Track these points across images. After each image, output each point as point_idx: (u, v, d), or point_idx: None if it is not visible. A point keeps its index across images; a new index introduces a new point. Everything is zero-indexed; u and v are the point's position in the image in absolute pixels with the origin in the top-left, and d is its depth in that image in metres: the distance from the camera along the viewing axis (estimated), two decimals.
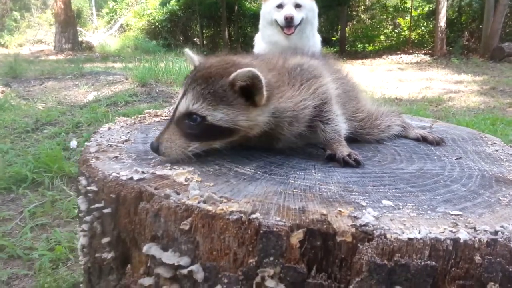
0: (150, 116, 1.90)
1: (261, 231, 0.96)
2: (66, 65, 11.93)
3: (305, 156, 1.49)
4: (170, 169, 1.23)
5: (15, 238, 2.96)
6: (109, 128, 1.66)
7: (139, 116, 1.89)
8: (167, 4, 22.38)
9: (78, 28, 19.80)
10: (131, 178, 1.13)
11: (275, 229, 0.95)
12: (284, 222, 0.96)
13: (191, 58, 1.46)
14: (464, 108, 7.51)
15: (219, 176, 1.22)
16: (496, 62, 15.62)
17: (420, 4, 22.33)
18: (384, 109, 1.81)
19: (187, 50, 1.48)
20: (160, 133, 1.30)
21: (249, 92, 1.27)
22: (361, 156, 1.45)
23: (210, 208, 0.99)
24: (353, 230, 0.96)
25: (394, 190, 1.21)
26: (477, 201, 1.18)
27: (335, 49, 22.18)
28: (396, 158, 1.54)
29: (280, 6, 2.93)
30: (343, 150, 1.43)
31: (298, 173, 1.30)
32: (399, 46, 21.29)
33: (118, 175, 1.15)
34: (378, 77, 12.51)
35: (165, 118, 1.90)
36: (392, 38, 22.65)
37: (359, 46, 22.89)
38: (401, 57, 18.72)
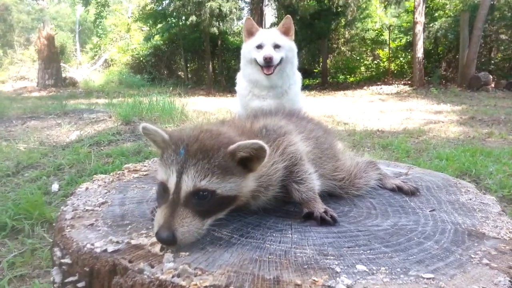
0: (129, 171, 1.91)
1: None
2: (49, 102, 11.89)
3: (282, 214, 1.51)
4: (146, 236, 1.23)
5: None
6: (87, 189, 1.66)
7: (118, 172, 1.89)
8: (151, 39, 22.71)
9: (61, 64, 19.87)
10: (105, 250, 1.12)
11: None
12: None
13: (157, 133, 1.31)
14: (444, 140, 7.65)
15: (195, 243, 1.22)
16: (473, 91, 16.09)
17: (398, 36, 23.06)
18: (362, 163, 1.84)
19: (147, 125, 1.31)
20: (166, 219, 1.16)
21: (244, 160, 1.29)
22: (337, 213, 1.48)
23: (183, 283, 1.00)
24: None
25: (368, 252, 1.23)
26: (449, 260, 1.20)
27: (317, 81, 22.64)
28: (372, 213, 1.57)
29: (259, 46, 3.00)
30: (319, 207, 1.45)
31: (274, 235, 1.31)
32: (379, 76, 21.85)
33: (92, 246, 1.15)
34: (360, 108, 12.75)
35: (145, 173, 1.91)
36: (372, 69, 23.24)
37: (340, 77, 23.42)
38: (381, 88, 19.16)
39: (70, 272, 1.16)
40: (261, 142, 1.24)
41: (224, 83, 21.46)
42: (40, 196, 4.29)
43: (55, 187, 4.75)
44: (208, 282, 0.99)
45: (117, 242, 1.17)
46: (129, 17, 26.87)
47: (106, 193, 1.61)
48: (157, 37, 22.87)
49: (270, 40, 2.99)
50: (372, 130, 8.75)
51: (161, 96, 9.80)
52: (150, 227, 1.31)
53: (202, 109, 11.52)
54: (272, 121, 1.56)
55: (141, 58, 23.24)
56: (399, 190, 1.80)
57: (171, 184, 1.23)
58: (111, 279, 1.08)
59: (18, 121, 8.81)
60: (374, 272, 1.11)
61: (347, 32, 24.14)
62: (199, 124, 1.46)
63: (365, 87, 19.63)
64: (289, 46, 3.06)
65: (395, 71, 21.89)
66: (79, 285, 1.12)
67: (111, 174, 1.86)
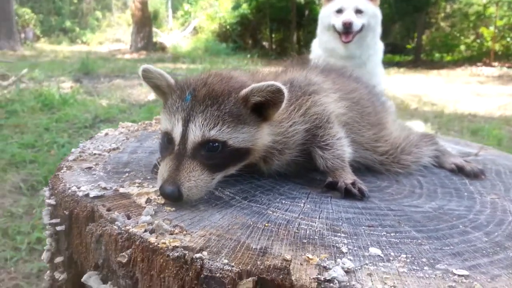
0: (157, 123, 1.81)
1: (202, 275, 0.80)
2: (138, 64, 12.48)
3: (303, 182, 1.30)
4: (138, 186, 1.11)
5: None
6: (106, 134, 1.59)
7: (146, 122, 1.80)
8: (239, 8, 22.74)
9: (153, 29, 20.63)
10: (87, 195, 1.02)
11: (217, 275, 0.79)
12: (232, 266, 0.80)
13: (161, 76, 1.16)
14: None
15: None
16: None
17: (507, 13, 20.65)
18: (415, 136, 1.56)
19: (149, 67, 1.15)
20: (170, 172, 1.04)
21: (258, 107, 1.13)
22: (370, 187, 1.25)
23: (152, 240, 0.86)
24: (314, 285, 0.77)
25: (393, 234, 1.00)
26: (497, 258, 0.93)
27: (409, 58, 21.21)
28: (415, 192, 1.31)
29: (339, 11, 2.79)
30: (347, 177, 1.23)
31: (283, 202, 1.13)
32: (481, 57, 19.84)
33: (76, 189, 1.05)
34: (454, 90, 11.68)
35: None
36: (473, 48, 21.19)
37: (436, 55, 21.67)
38: (481, 69, 17.43)
39: (54, 214, 1.09)
40: (278, 84, 1.06)
41: (307, 56, 20.93)
42: None
43: None
44: (179, 242, 0.85)
45: (104, 188, 1.06)
46: None
47: (123, 140, 1.52)
48: (244, 5, 22.81)
49: (351, 4, 2.78)
50: (463, 113, 7.96)
51: (239, 63, 9.79)
52: (148, 177, 1.19)
53: None
54: (302, 76, 1.35)
55: (228, 27, 23.38)
56: (459, 170, 1.50)
57: (176, 134, 1.10)
58: (87, 225, 0.98)
59: (106, 79, 9.35)
60: (390, 259, 0.88)
61: (448, 6, 22.13)
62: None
63: (462, 67, 17.97)
64: (373, 12, 2.81)
65: (499, 52, 19.74)
66: (58, 228, 1.04)
67: (139, 123, 1.78)
